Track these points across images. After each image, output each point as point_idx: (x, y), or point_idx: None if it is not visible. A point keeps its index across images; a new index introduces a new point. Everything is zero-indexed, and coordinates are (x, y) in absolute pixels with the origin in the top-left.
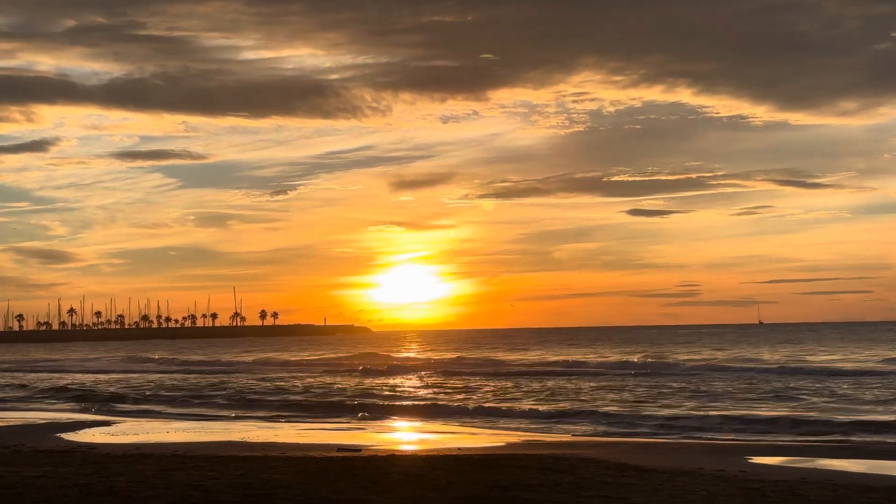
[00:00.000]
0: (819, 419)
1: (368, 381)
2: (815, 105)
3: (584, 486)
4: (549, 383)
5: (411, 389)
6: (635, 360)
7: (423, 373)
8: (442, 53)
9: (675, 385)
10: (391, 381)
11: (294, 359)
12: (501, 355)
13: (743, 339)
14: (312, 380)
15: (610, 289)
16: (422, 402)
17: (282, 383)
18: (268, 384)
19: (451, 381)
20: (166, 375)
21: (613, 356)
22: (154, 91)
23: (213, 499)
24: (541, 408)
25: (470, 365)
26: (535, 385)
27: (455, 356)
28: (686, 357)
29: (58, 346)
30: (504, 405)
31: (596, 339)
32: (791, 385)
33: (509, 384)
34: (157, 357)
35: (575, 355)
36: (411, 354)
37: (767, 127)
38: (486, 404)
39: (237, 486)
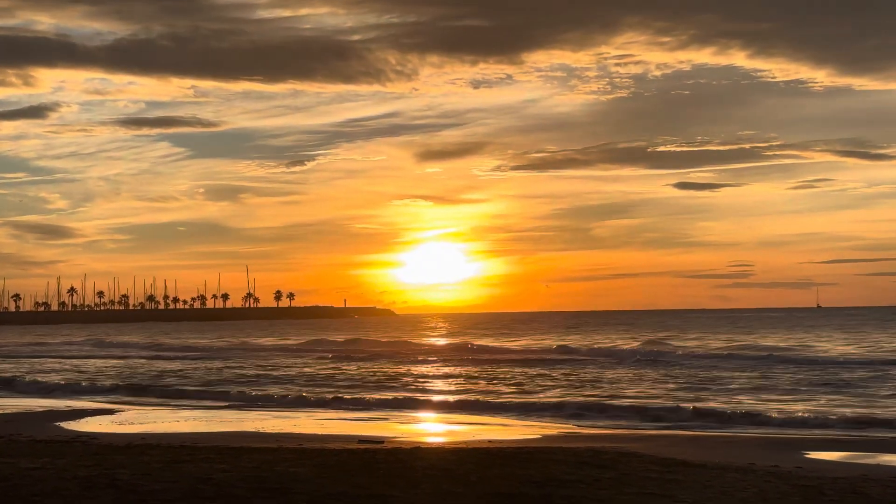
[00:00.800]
0: (880, 415)
1: (391, 369)
2: (882, 69)
3: (625, 482)
4: (584, 372)
5: (435, 377)
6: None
7: (447, 359)
8: (473, 12)
9: (723, 374)
10: (416, 370)
11: (291, 343)
12: (530, 340)
13: (799, 323)
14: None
15: (654, 269)
16: (447, 391)
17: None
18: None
19: (478, 369)
20: (122, 361)
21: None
22: (161, 53)
23: (225, 493)
24: (574, 398)
25: (498, 351)
26: (567, 373)
27: (482, 341)
28: (735, 342)
29: (53, 328)
30: (534, 397)
31: (635, 323)
32: (846, 376)
33: (541, 372)
34: (128, 340)
35: (612, 340)
36: (436, 340)
37: (828, 93)
38: (515, 394)
39: (250, 480)
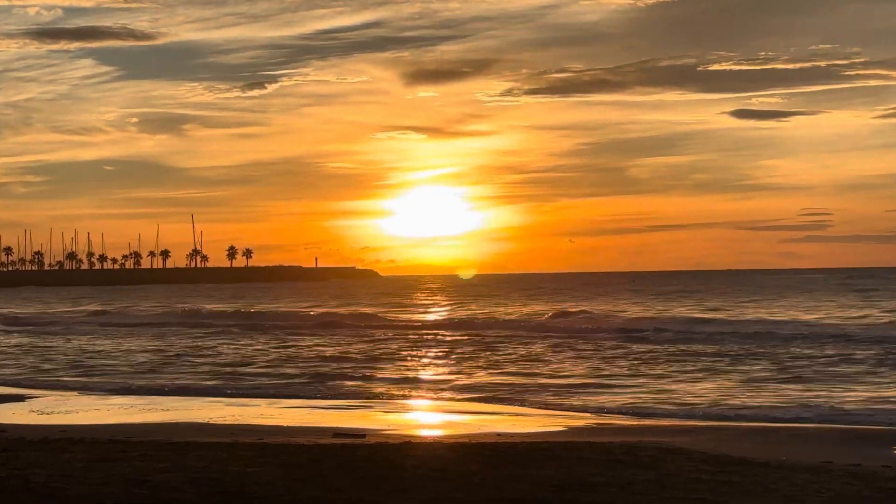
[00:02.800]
0: None
1: (374, 347)
2: None
3: (667, 486)
4: (612, 349)
5: (429, 355)
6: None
7: (442, 334)
8: None
9: (782, 354)
10: (405, 346)
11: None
12: (542, 307)
13: (886, 286)
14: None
15: (707, 219)
16: (444, 374)
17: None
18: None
19: (483, 346)
20: (31, 339)
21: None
22: None
23: (166, 498)
24: (605, 379)
25: (506, 325)
26: (595, 350)
27: (486, 313)
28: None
29: None
30: (558, 380)
31: (680, 287)
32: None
33: (561, 349)
34: (43, 312)
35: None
36: (428, 311)
37: None
38: (533, 376)
39: (198, 482)
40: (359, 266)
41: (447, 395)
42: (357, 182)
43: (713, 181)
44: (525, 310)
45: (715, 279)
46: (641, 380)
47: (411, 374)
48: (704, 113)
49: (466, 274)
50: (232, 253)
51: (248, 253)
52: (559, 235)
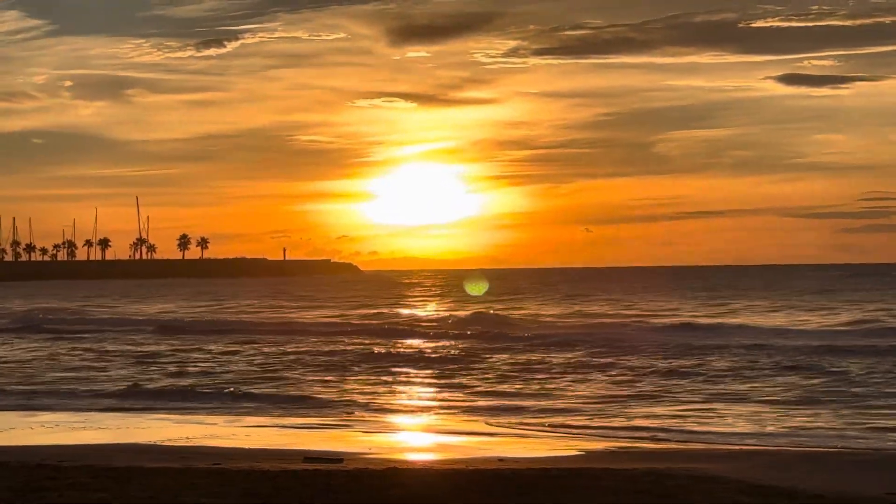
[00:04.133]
0: None
1: (352, 351)
2: None
3: None
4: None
5: (418, 364)
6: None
7: (432, 339)
8: None
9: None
10: (388, 352)
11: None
12: (555, 309)
13: None
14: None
15: (749, 204)
16: (435, 387)
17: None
18: None
19: (482, 355)
20: None
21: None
22: None
23: None
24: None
25: (512, 328)
26: (615, 361)
27: (488, 314)
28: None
29: None
30: (573, 390)
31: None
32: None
33: (576, 356)
34: None
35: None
36: (416, 309)
37: None
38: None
39: None
40: (335, 259)
41: (437, 411)
42: (334, 159)
43: (757, 159)
44: (541, 311)
45: (758, 276)
46: (661, 397)
47: (394, 389)
48: (746, 78)
49: (476, 287)
50: (184, 242)
51: (203, 243)
52: (574, 224)
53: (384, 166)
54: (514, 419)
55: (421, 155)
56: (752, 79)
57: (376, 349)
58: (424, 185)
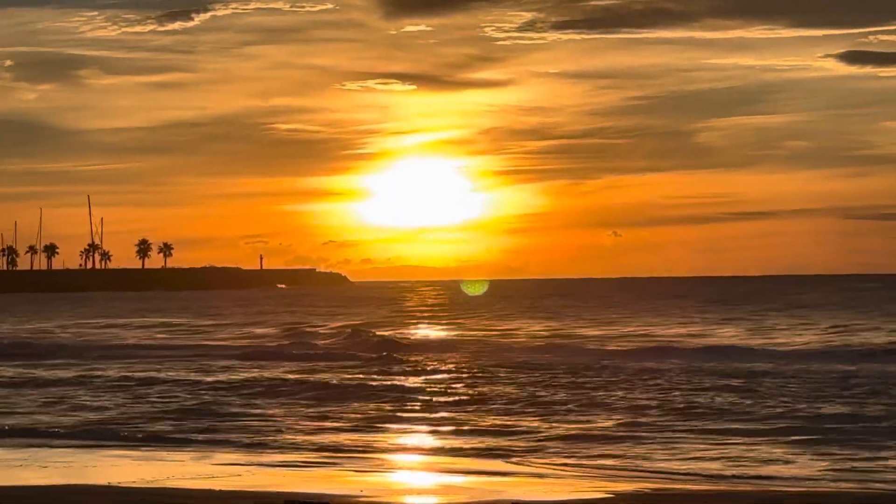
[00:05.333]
0: None
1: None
2: None
3: None
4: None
5: (413, 391)
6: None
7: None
8: None
9: None
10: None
11: None
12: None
13: None
14: None
15: (806, 203)
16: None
17: None
18: None
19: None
20: None
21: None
22: None
23: None
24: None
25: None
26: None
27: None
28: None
29: None
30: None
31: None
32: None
33: (608, 379)
34: None
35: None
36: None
37: None
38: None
39: None
40: (321, 268)
41: (438, 445)
42: (319, 151)
43: (815, 151)
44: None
45: (817, 288)
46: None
47: (388, 420)
48: (803, 56)
49: (474, 287)
50: (144, 249)
51: (166, 249)
52: (599, 227)
53: (379, 160)
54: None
55: (421, 146)
56: (810, 57)
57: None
58: (425, 182)
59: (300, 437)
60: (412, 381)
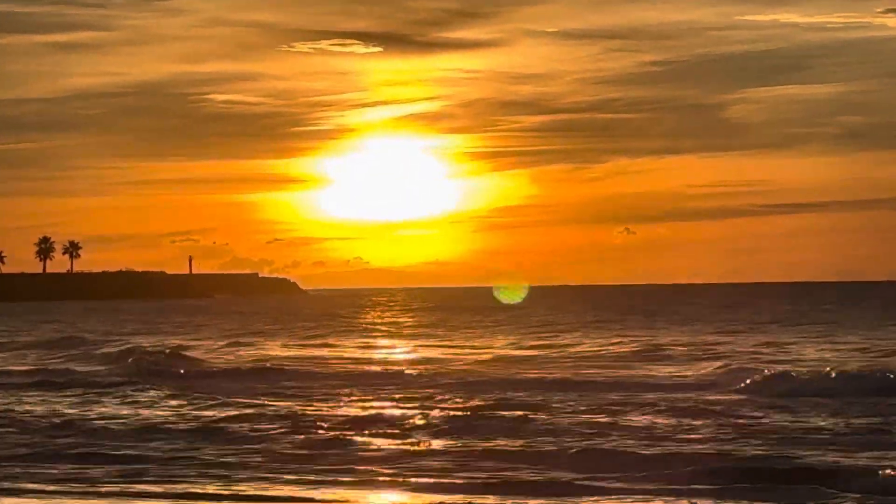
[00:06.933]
0: None
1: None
2: None
3: None
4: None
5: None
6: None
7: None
8: None
9: None
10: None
11: None
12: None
13: None
14: None
15: (863, 193)
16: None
17: None
18: None
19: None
20: None
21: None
22: None
23: None
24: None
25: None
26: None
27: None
28: None
29: None
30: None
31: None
32: None
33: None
34: None
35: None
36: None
37: None
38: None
39: None
40: (265, 273)
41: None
42: (262, 127)
43: (873, 129)
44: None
45: (874, 294)
46: None
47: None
48: (859, 11)
49: (510, 292)
50: (45, 249)
51: (72, 249)
52: (608, 222)
53: (335, 139)
54: None
55: (388, 122)
56: (868, 13)
57: None
58: (393, 167)
59: None
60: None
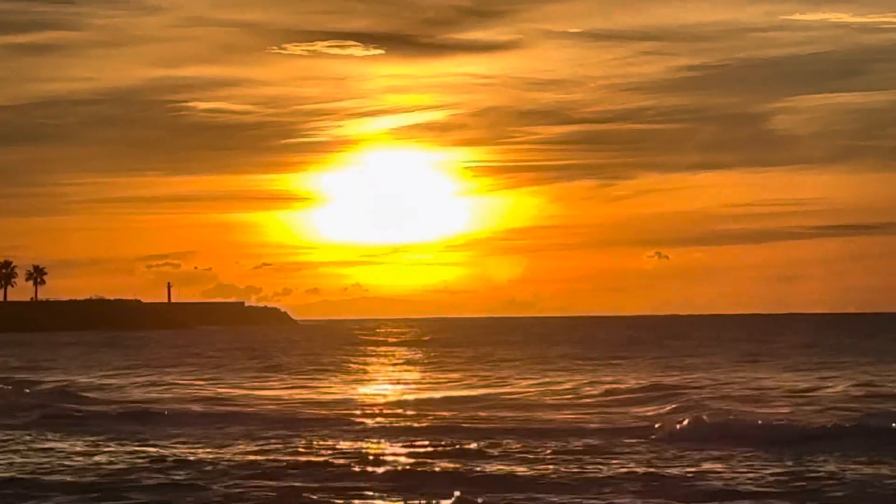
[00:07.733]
0: None
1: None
2: None
3: None
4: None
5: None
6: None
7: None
8: None
9: None
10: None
11: None
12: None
13: None
14: None
15: None
16: None
17: None
18: None
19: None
20: None
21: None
22: None
23: None
24: None
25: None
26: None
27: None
28: None
29: None
30: None
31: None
32: None
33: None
34: None
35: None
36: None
37: None
38: None
39: None
40: (252, 301)
41: None
42: (251, 139)
43: None
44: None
45: None
46: None
47: None
48: None
49: None
50: (6, 275)
51: (36, 276)
52: (637, 245)
53: (332, 151)
54: None
55: (391, 133)
56: None
57: None
58: (396, 183)
59: None
60: None
